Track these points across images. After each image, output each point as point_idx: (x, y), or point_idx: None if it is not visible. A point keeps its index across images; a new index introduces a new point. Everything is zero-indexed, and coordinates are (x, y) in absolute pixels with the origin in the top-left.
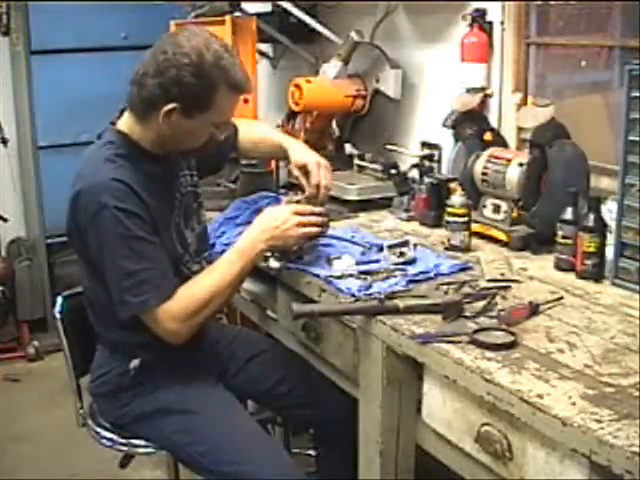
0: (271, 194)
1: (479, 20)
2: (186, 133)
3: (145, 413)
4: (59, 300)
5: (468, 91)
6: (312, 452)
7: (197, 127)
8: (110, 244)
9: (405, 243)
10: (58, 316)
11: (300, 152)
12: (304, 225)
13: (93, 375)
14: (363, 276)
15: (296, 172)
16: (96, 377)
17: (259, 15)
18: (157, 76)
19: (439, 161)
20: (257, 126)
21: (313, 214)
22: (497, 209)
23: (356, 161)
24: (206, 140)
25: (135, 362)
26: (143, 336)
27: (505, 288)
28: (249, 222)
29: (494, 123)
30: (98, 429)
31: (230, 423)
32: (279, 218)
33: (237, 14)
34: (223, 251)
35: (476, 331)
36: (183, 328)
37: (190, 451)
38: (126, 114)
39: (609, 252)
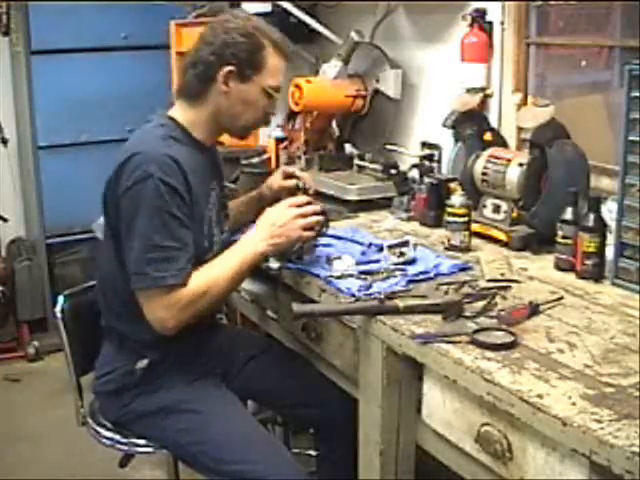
0: None
1: (479, 20)
2: (243, 101)
3: (148, 412)
4: (60, 299)
5: (468, 91)
6: (312, 452)
7: (253, 92)
8: (145, 213)
9: (405, 243)
10: (59, 315)
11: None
12: (303, 217)
13: (98, 372)
14: (363, 276)
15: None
16: (101, 375)
17: (259, 15)
18: (209, 46)
19: (439, 161)
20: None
21: (310, 203)
22: (497, 209)
23: (356, 161)
24: (260, 117)
25: (143, 362)
26: (152, 332)
27: (505, 288)
28: None
29: (494, 123)
30: (98, 428)
31: (233, 423)
32: (275, 215)
33: None
34: None
35: (476, 331)
36: (172, 318)
37: (193, 450)
38: (176, 105)
39: (609, 252)
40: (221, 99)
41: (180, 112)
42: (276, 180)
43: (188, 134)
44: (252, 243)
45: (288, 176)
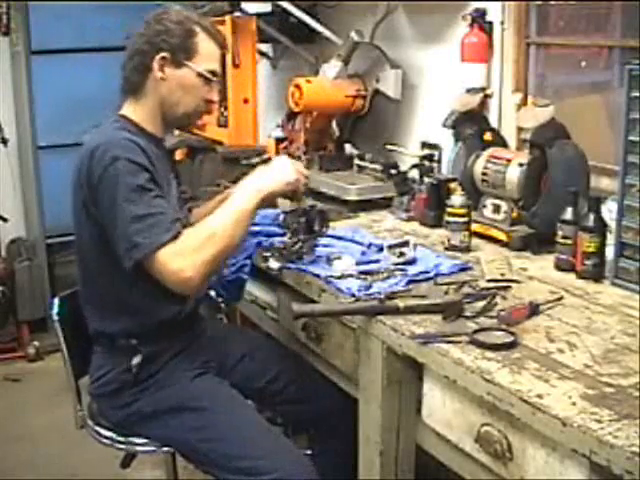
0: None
1: (479, 20)
2: (181, 86)
3: (153, 412)
4: (56, 302)
5: (468, 91)
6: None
7: (188, 77)
8: (122, 194)
9: (405, 243)
10: (55, 318)
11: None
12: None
13: (93, 377)
14: (363, 276)
15: None
16: (96, 378)
17: (259, 15)
18: (143, 37)
19: (439, 161)
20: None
21: None
22: (497, 209)
23: (356, 161)
24: (201, 105)
25: (137, 358)
26: (141, 325)
27: (505, 288)
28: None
29: (494, 123)
30: (98, 428)
31: (242, 418)
32: (273, 162)
33: (237, 14)
34: None
35: (476, 331)
36: (188, 265)
37: (203, 448)
38: (125, 104)
39: (609, 252)
40: (159, 87)
41: (130, 109)
42: None
43: (141, 128)
44: (248, 185)
45: None
